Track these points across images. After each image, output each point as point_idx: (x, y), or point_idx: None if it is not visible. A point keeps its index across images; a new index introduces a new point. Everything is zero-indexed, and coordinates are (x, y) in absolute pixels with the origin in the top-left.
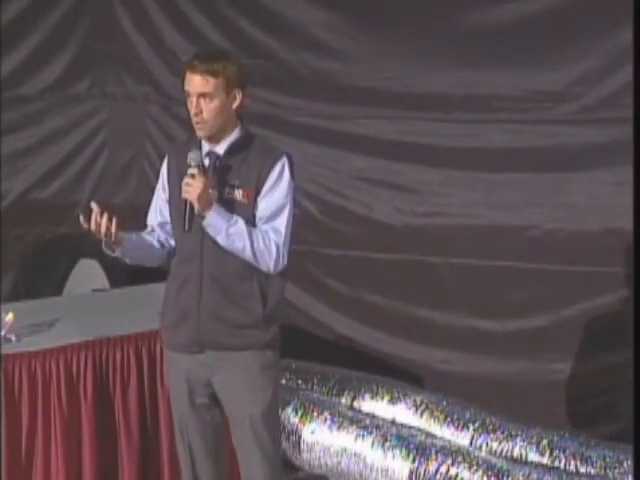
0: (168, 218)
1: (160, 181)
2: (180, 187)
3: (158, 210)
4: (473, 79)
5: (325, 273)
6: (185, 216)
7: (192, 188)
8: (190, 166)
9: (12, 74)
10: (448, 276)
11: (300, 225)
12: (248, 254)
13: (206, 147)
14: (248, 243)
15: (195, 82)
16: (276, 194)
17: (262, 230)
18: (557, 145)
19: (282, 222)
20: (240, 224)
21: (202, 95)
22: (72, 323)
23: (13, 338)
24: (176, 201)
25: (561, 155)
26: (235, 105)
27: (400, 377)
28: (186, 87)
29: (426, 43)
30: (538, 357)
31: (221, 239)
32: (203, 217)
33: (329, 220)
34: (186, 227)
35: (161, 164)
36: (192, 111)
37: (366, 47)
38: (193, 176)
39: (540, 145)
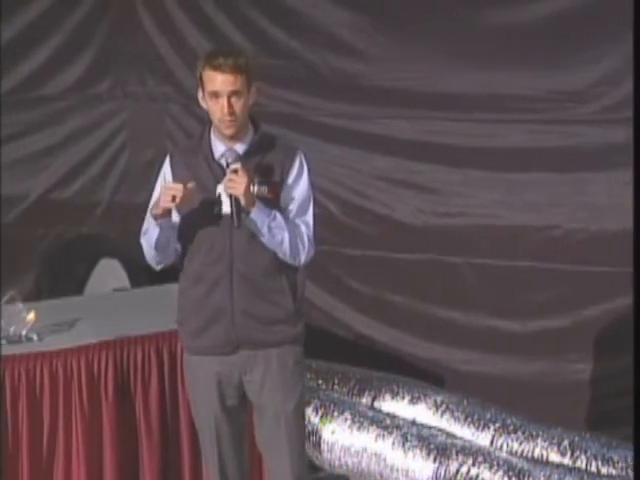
0: (176, 223)
1: (162, 184)
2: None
3: None
4: (494, 79)
5: (346, 273)
6: (233, 212)
7: (238, 184)
8: (228, 163)
9: (34, 74)
10: (469, 276)
11: (321, 225)
12: (285, 247)
13: (220, 147)
14: (287, 236)
15: (226, 81)
16: (300, 187)
17: (294, 223)
18: (578, 145)
19: (310, 214)
20: (279, 218)
21: (233, 93)
22: (93, 323)
23: (35, 337)
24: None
25: (582, 155)
26: (252, 101)
27: (421, 377)
28: (214, 87)
29: (448, 43)
30: (559, 357)
31: (264, 233)
32: (248, 213)
33: (350, 220)
34: (236, 223)
35: (159, 168)
36: (223, 111)
37: (387, 47)
38: (236, 172)
39: (561, 145)
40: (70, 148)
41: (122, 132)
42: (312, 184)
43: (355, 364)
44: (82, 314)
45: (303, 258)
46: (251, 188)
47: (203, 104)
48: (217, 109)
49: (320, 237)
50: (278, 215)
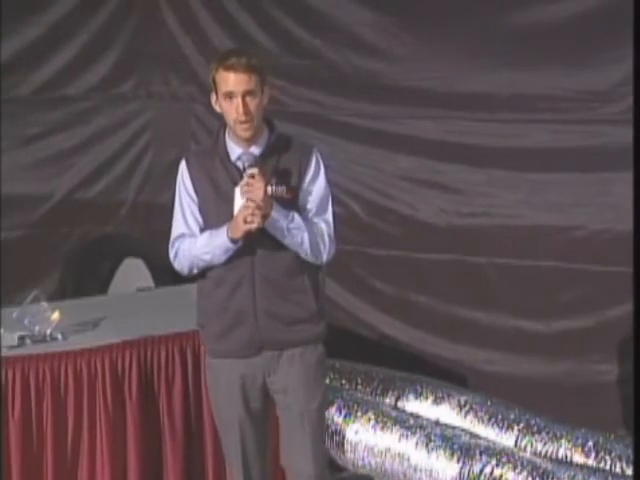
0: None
1: (183, 192)
2: (212, 192)
3: (194, 219)
4: (518, 79)
5: (369, 273)
6: None
7: (255, 189)
8: (245, 166)
9: (59, 74)
10: (492, 276)
11: (345, 225)
12: (306, 247)
13: (236, 149)
14: (306, 236)
15: (240, 80)
16: (318, 186)
17: (313, 222)
18: (603, 145)
19: (330, 212)
20: (297, 219)
21: (248, 93)
22: (117, 322)
23: (59, 336)
24: (215, 206)
25: (607, 155)
26: (266, 101)
27: (444, 377)
28: (228, 88)
29: (471, 43)
30: (583, 358)
31: (283, 236)
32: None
33: (374, 220)
34: None
35: (176, 175)
36: (238, 111)
37: (411, 47)
38: (253, 176)
39: (586, 145)
40: (94, 148)
41: (146, 132)
42: (329, 182)
43: (378, 364)
44: (106, 313)
45: (325, 257)
46: (269, 189)
47: (217, 107)
48: (232, 110)
49: (344, 237)
50: (296, 216)
